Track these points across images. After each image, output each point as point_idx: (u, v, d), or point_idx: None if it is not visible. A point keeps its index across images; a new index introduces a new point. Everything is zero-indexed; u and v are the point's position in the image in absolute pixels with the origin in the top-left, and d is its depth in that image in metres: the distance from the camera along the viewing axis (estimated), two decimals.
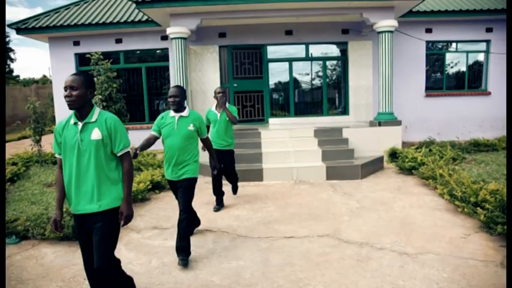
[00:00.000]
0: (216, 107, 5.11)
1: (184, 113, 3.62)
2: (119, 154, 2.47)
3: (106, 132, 2.40)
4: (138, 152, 3.41)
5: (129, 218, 2.45)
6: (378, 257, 3.50)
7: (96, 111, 2.44)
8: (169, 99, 3.55)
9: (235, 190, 5.60)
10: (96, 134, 2.37)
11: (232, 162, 5.34)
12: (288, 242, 3.94)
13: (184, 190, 3.60)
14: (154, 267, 3.48)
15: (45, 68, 60.23)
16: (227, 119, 5.01)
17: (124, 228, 4.48)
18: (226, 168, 5.24)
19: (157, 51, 9.62)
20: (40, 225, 4.15)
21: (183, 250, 3.49)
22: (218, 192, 5.15)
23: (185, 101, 3.68)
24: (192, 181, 3.66)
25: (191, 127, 3.61)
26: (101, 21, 8.76)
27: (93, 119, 2.40)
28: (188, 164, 3.61)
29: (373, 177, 6.62)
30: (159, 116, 3.73)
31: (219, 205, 5.13)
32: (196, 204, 5.30)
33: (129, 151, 2.53)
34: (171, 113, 3.64)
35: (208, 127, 5.02)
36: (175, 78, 7.92)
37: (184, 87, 7.83)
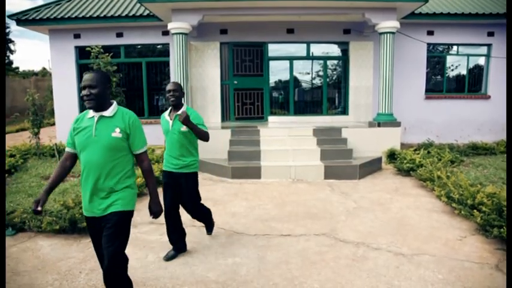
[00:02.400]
0: (171, 111, 3.55)
1: (108, 112, 2.37)
2: None
3: None
4: (40, 207, 2.26)
5: None
6: (373, 257, 3.50)
7: None
8: (83, 92, 2.32)
9: (209, 228, 4.04)
10: None
11: (192, 190, 3.63)
12: (284, 240, 3.94)
13: (111, 233, 2.34)
14: (150, 261, 3.48)
15: (45, 60, 60.04)
16: (182, 129, 3.41)
17: None
18: (183, 199, 3.64)
19: (158, 46, 9.59)
20: (37, 218, 4.14)
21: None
22: (174, 239, 3.62)
23: (109, 94, 2.44)
24: (125, 217, 2.42)
25: (117, 133, 2.35)
26: (102, 15, 8.73)
27: None
28: (116, 192, 2.39)
29: (370, 178, 6.63)
30: (74, 119, 2.46)
31: (176, 251, 3.60)
32: None
33: None
34: (90, 112, 2.40)
35: None
36: (175, 74, 7.91)
37: (183, 83, 7.83)
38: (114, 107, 2.41)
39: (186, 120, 3.21)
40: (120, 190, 2.40)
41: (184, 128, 3.41)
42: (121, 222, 2.39)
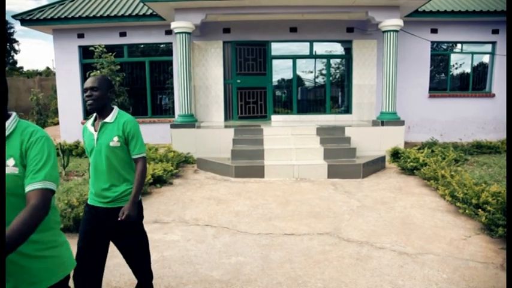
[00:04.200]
0: (95, 119, 2.46)
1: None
2: None
3: None
4: None
5: None
6: (377, 256, 3.49)
7: None
8: None
9: None
10: None
11: (137, 231, 2.61)
12: (288, 239, 3.94)
13: None
14: (154, 260, 3.47)
15: (49, 59, 60.39)
16: (112, 144, 2.36)
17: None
18: (127, 249, 2.57)
19: (161, 45, 9.60)
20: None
21: None
22: None
23: (7, 102, 1.46)
24: None
25: (10, 167, 1.36)
26: (105, 14, 8.75)
27: None
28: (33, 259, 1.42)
29: (374, 177, 6.61)
30: None
31: None
32: (196, 199, 5.33)
33: None
34: None
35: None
36: (178, 73, 7.92)
37: (186, 82, 7.83)
38: (12, 120, 1.42)
39: (129, 217, 2.30)
40: (31, 260, 1.42)
41: (114, 142, 2.36)
42: None
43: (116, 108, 2.47)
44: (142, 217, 2.62)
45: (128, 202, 2.34)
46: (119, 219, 2.28)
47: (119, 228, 2.42)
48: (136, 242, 2.60)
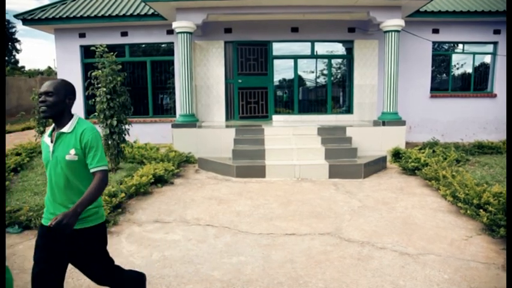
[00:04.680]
0: (53, 130, 2.18)
1: None
2: None
3: None
4: None
5: None
6: (378, 257, 3.49)
7: None
8: None
9: None
10: None
11: (99, 252, 2.27)
12: (289, 239, 3.94)
13: None
14: (155, 260, 3.49)
15: (50, 59, 60.54)
16: (68, 157, 2.06)
17: (126, 221, 4.50)
18: (89, 269, 2.29)
19: (163, 45, 9.61)
20: (42, 216, 4.17)
21: None
22: None
23: None
24: None
25: None
26: (106, 14, 8.76)
27: None
28: None
29: (375, 177, 6.61)
30: None
31: None
32: (197, 199, 5.34)
33: None
34: None
35: None
36: (180, 73, 7.93)
37: (188, 82, 7.85)
38: None
39: (61, 225, 1.83)
40: None
41: (71, 156, 2.07)
42: None
43: (75, 116, 2.16)
44: (106, 243, 2.30)
45: (69, 209, 1.93)
46: (48, 224, 1.89)
47: (81, 252, 2.18)
48: (101, 267, 2.30)
